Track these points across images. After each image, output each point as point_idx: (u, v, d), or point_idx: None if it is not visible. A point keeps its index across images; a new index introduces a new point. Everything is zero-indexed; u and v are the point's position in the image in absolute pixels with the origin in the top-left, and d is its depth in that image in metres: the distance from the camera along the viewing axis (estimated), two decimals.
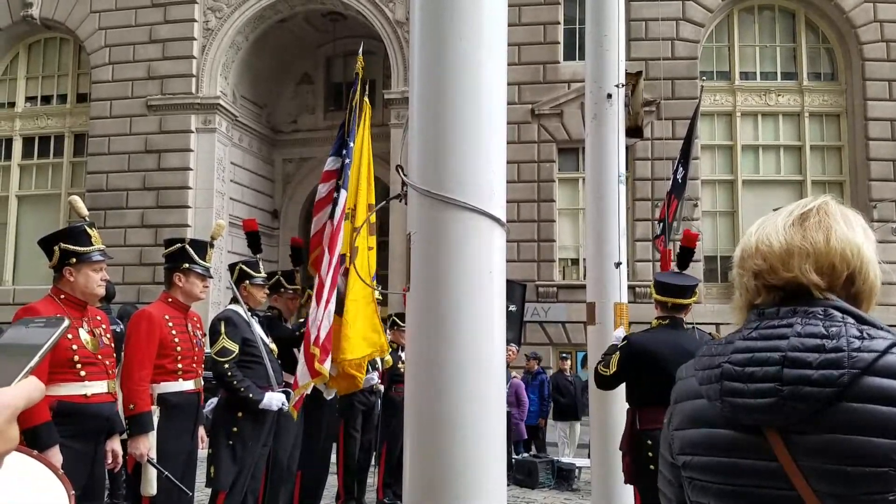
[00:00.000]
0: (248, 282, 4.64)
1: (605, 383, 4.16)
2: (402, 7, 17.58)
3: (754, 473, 1.21)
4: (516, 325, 10.50)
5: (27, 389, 0.68)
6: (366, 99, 5.85)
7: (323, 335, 4.44)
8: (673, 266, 5.08)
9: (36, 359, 0.71)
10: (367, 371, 5.39)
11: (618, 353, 4.09)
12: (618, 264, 4.63)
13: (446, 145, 1.78)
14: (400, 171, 1.90)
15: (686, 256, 4.71)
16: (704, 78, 16.32)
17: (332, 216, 4.76)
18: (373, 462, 6.84)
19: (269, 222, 21.14)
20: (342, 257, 4.77)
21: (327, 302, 4.62)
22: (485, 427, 1.77)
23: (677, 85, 16.75)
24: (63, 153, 19.85)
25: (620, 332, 4.46)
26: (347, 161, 4.85)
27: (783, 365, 1.19)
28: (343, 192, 4.77)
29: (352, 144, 4.89)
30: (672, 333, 4.07)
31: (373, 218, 5.34)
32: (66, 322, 0.75)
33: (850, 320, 1.21)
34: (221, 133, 18.86)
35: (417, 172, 1.81)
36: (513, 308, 10.39)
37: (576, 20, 17.07)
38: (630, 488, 4.33)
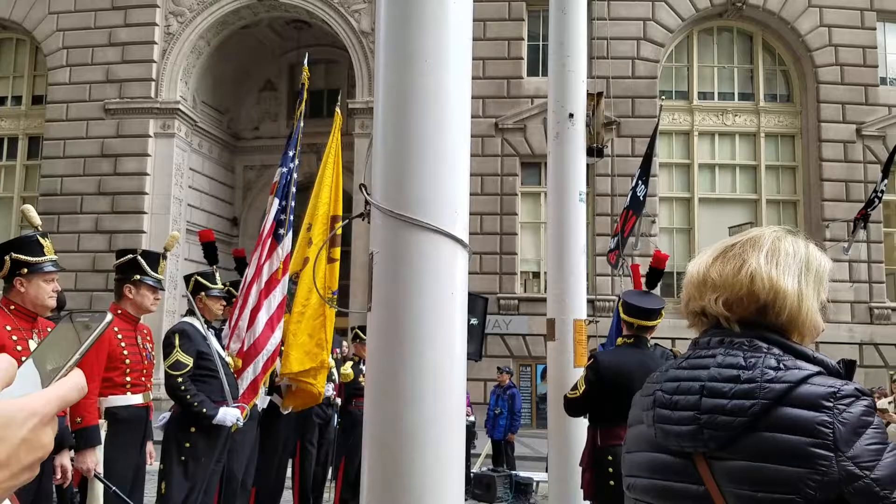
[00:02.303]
0: (204, 293, 4.55)
1: (575, 407, 4.17)
2: (368, 17, 17.58)
3: (685, 496, 1.25)
4: (478, 339, 10.51)
5: (63, 391, 0.67)
6: (337, 109, 5.85)
7: (245, 346, 4.45)
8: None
9: (78, 353, 0.70)
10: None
11: (585, 371, 4.14)
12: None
13: (410, 166, 1.78)
14: (363, 189, 1.88)
15: (655, 277, 4.83)
16: (663, 97, 16.63)
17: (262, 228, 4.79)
18: (329, 476, 6.76)
19: (229, 230, 20.88)
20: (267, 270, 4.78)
21: (257, 310, 4.63)
22: (444, 448, 1.76)
23: (637, 103, 17.04)
24: (17, 156, 19.36)
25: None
26: (283, 170, 4.87)
27: (702, 394, 1.24)
28: (276, 201, 4.79)
29: (290, 153, 4.92)
30: (637, 352, 4.17)
31: (339, 230, 5.34)
32: (110, 317, 0.73)
33: (776, 351, 1.23)
34: (180, 138, 18.59)
35: (380, 192, 1.80)
36: (474, 321, 10.40)
37: (539, 37, 17.28)
38: None
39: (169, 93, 18.28)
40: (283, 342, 4.87)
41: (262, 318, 4.73)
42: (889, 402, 7.58)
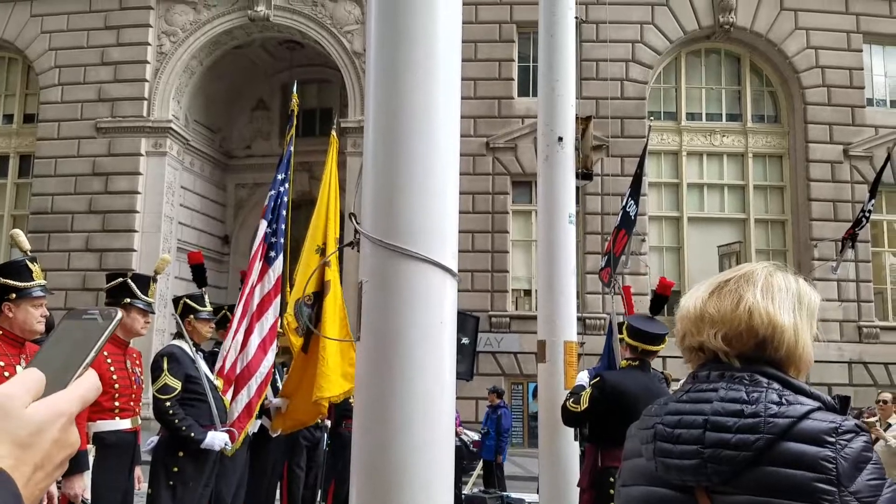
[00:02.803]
0: (192, 316, 4.53)
1: (574, 420, 4.19)
2: (360, 38, 17.70)
3: None
4: (469, 358, 10.47)
5: (82, 390, 0.69)
6: (333, 133, 5.88)
7: (228, 366, 4.43)
8: (638, 307, 5.22)
9: (91, 355, 0.71)
10: None
11: (590, 389, 4.16)
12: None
13: (399, 195, 1.80)
14: (353, 219, 1.90)
15: (660, 302, 4.87)
16: (652, 118, 16.77)
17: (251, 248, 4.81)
18: (319, 499, 6.71)
19: (220, 248, 20.84)
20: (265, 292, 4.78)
21: (235, 332, 4.62)
22: (433, 476, 1.77)
23: (626, 124, 17.18)
24: (7, 174, 19.30)
25: (584, 376, 4.56)
26: (272, 193, 4.91)
27: (705, 428, 1.24)
28: (263, 223, 4.82)
29: (280, 177, 4.96)
30: (642, 376, 4.23)
31: (335, 254, 5.35)
32: (120, 314, 0.74)
33: (776, 386, 1.25)
34: (172, 157, 18.59)
35: (370, 221, 1.82)
36: (465, 340, 10.37)
37: (529, 58, 17.42)
38: None
39: (161, 112, 18.30)
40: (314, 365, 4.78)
41: (255, 340, 4.72)
42: (876, 420, 7.62)
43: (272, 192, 5.01)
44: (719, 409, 1.25)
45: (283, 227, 5.00)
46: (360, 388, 1.82)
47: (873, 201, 15.00)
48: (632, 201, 10.70)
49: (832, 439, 1.15)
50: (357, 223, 1.85)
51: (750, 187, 17.87)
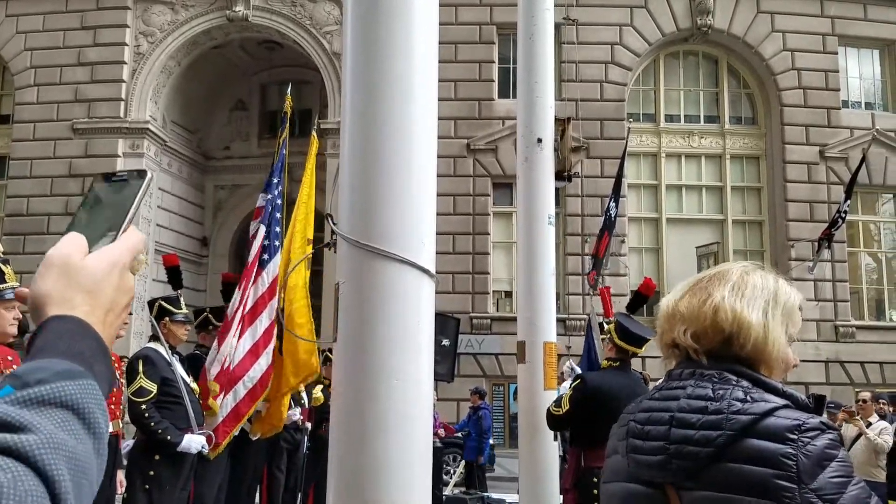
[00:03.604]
0: (168, 318, 4.47)
1: (557, 423, 4.20)
2: (339, 39, 17.64)
3: None
4: (449, 360, 10.47)
5: (131, 242, 0.76)
6: (314, 133, 5.86)
7: (215, 371, 4.39)
8: (615, 306, 5.27)
9: (132, 210, 0.75)
10: (290, 406, 5.30)
11: (570, 391, 4.18)
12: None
13: (376, 196, 1.79)
14: (329, 219, 1.89)
15: (639, 302, 4.92)
16: (631, 120, 16.89)
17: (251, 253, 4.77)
18: (298, 502, 6.67)
19: (198, 250, 20.65)
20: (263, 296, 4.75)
21: (240, 336, 4.58)
22: (411, 478, 1.76)
23: (606, 126, 17.28)
24: None
25: (569, 365, 4.60)
26: (269, 197, 4.87)
27: (671, 424, 1.26)
28: (262, 228, 4.78)
29: (275, 180, 4.92)
30: (623, 376, 4.25)
31: (310, 255, 5.32)
32: (151, 174, 0.79)
33: (745, 384, 1.26)
34: (150, 158, 18.40)
35: (346, 222, 1.81)
36: (446, 342, 10.36)
37: (510, 59, 17.45)
38: None
39: (138, 113, 18.12)
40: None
41: (245, 344, 4.68)
42: (871, 423, 7.69)
43: (268, 196, 4.97)
44: (685, 405, 1.26)
45: (278, 230, 4.97)
46: (338, 388, 1.81)
47: (849, 202, 15.24)
48: (612, 202, 10.77)
49: (794, 436, 1.16)
50: (334, 224, 1.84)
51: (727, 188, 18.03)
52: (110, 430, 3.88)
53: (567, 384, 4.59)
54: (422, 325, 1.80)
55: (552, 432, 4.35)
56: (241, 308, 4.78)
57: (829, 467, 1.14)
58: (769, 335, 1.29)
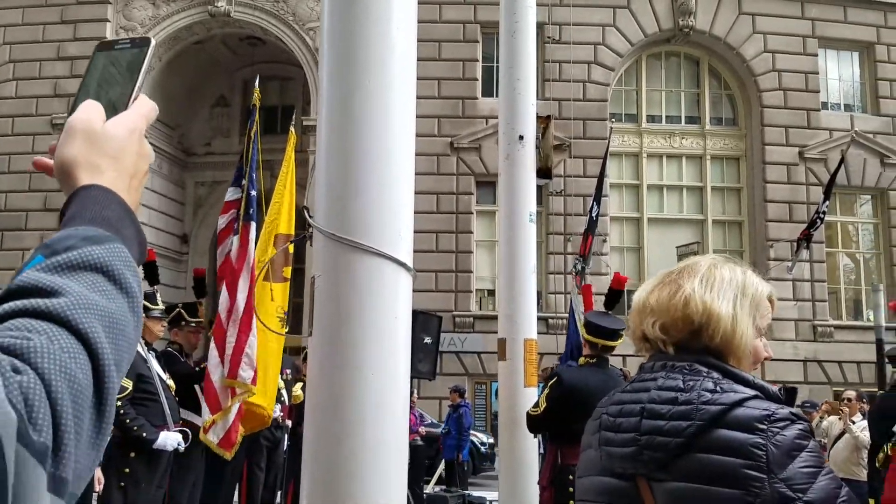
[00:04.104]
0: (144, 315, 4.42)
1: (536, 424, 4.18)
2: None
3: None
4: (432, 358, 10.45)
5: (144, 109, 0.76)
6: (292, 129, 5.82)
7: (223, 371, 4.33)
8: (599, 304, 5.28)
9: (140, 78, 0.76)
10: None
11: (548, 389, 4.17)
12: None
13: (354, 189, 1.77)
14: (306, 212, 1.87)
15: (615, 297, 4.91)
16: (613, 120, 16.95)
17: (230, 249, 4.70)
18: (278, 500, 6.63)
19: (178, 247, 20.49)
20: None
21: (242, 332, 4.53)
22: (385, 477, 1.74)
23: (588, 125, 17.34)
24: None
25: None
26: (253, 193, 4.82)
27: (642, 416, 1.26)
28: (252, 225, 4.72)
29: (255, 175, 4.87)
30: (600, 372, 4.24)
31: (290, 248, 5.29)
32: (153, 41, 0.79)
33: (715, 375, 1.26)
34: None
35: (323, 215, 1.79)
36: (429, 340, 10.35)
37: (493, 58, 17.46)
38: None
39: None
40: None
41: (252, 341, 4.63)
42: (838, 419, 7.75)
43: (253, 193, 4.91)
44: (655, 397, 1.26)
45: (256, 224, 4.93)
46: (313, 383, 1.79)
47: (828, 203, 15.37)
48: (594, 203, 10.81)
49: (763, 426, 1.16)
50: (310, 217, 1.82)
51: (708, 189, 18.17)
52: None
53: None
54: (399, 320, 1.78)
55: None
56: (232, 305, 4.73)
57: (798, 457, 1.14)
58: (737, 327, 1.29)
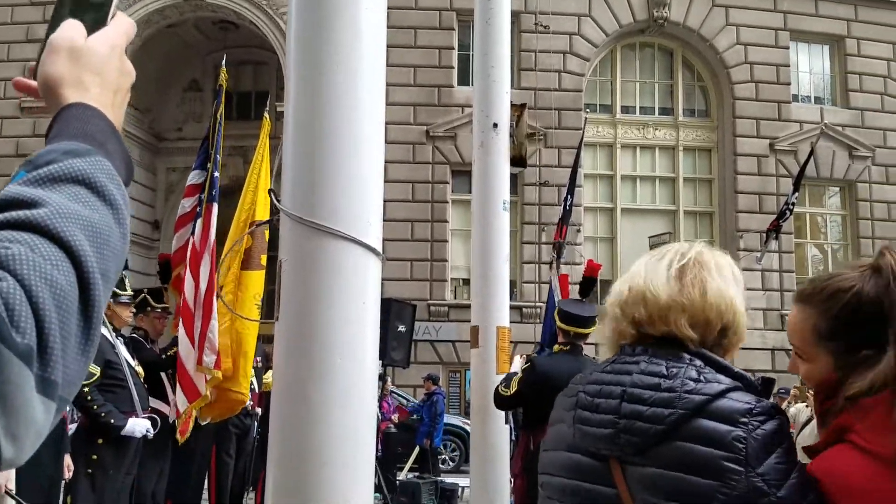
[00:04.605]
0: (112, 300, 4.35)
1: (504, 403, 4.24)
2: None
3: (596, 498, 1.27)
4: (405, 346, 10.45)
5: (123, 26, 0.77)
6: (266, 115, 5.75)
7: (190, 356, 4.29)
8: (574, 293, 5.31)
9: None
10: None
11: (520, 374, 4.21)
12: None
13: (321, 171, 1.74)
14: (272, 195, 1.84)
15: (588, 285, 4.95)
16: (588, 110, 17.01)
17: (193, 232, 4.63)
18: (248, 487, 6.59)
19: (150, 233, 20.21)
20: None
21: (205, 317, 4.48)
22: (353, 465, 1.73)
23: (563, 115, 17.37)
24: None
25: (518, 363, 4.60)
26: (217, 174, 4.76)
27: (623, 399, 1.25)
28: (215, 207, 4.66)
29: (218, 157, 4.82)
30: (573, 360, 4.28)
31: (266, 235, 5.24)
32: None
33: (697, 363, 1.25)
34: None
35: (290, 198, 1.76)
36: (402, 328, 10.34)
37: (469, 46, 17.40)
38: None
39: None
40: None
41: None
42: (806, 406, 7.93)
43: (217, 175, 4.84)
44: (638, 381, 1.25)
45: (217, 207, 4.86)
46: (279, 369, 1.77)
47: (797, 194, 15.61)
48: (568, 193, 10.87)
49: (745, 419, 1.16)
50: (277, 200, 1.79)
51: (680, 180, 18.33)
52: None
53: (517, 362, 4.62)
54: (367, 304, 1.77)
55: (503, 415, 4.38)
56: (197, 290, 4.67)
57: (775, 453, 1.15)
58: (743, 320, 1.32)
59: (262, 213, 5.15)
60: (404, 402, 13.52)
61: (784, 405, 8.97)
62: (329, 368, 1.70)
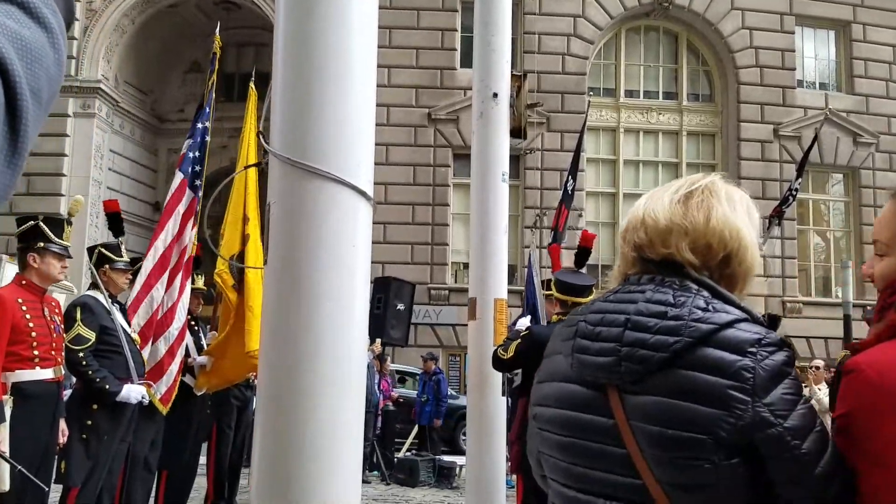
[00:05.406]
0: (108, 266, 4.34)
1: (501, 366, 4.27)
2: None
3: (592, 429, 1.24)
4: (404, 324, 10.46)
5: None
6: (251, 86, 5.73)
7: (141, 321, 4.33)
8: (568, 264, 5.31)
9: None
10: None
11: (519, 340, 4.23)
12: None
13: (311, 111, 1.71)
14: (261, 137, 1.81)
15: (584, 256, 4.97)
16: (591, 94, 16.91)
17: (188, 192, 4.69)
18: (246, 459, 6.59)
19: (151, 214, 20.19)
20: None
21: (168, 285, 4.52)
22: (342, 414, 1.71)
23: (567, 99, 17.28)
24: None
25: (524, 322, 4.62)
26: (200, 126, 4.80)
27: (626, 327, 1.23)
28: (179, 175, 4.74)
29: (207, 124, 4.87)
30: None
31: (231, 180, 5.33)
32: None
33: (705, 293, 1.23)
34: (101, 119, 17.87)
35: (279, 139, 1.73)
36: (401, 306, 10.35)
37: (472, 29, 17.29)
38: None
39: (90, 71, 17.54)
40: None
41: (174, 294, 4.60)
42: (804, 386, 8.04)
43: (200, 126, 4.88)
44: (643, 309, 1.23)
45: (199, 169, 4.91)
46: (267, 312, 1.75)
47: (800, 180, 15.50)
48: (570, 177, 10.83)
49: (753, 350, 1.14)
50: (266, 142, 1.76)
51: (683, 165, 18.25)
52: (51, 376, 3.80)
53: (524, 321, 4.66)
54: (357, 248, 1.74)
55: (500, 388, 4.37)
56: (167, 258, 4.71)
57: (782, 384, 1.14)
58: (756, 254, 1.30)
59: (253, 158, 5.20)
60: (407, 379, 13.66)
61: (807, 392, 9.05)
62: (317, 311, 1.68)
